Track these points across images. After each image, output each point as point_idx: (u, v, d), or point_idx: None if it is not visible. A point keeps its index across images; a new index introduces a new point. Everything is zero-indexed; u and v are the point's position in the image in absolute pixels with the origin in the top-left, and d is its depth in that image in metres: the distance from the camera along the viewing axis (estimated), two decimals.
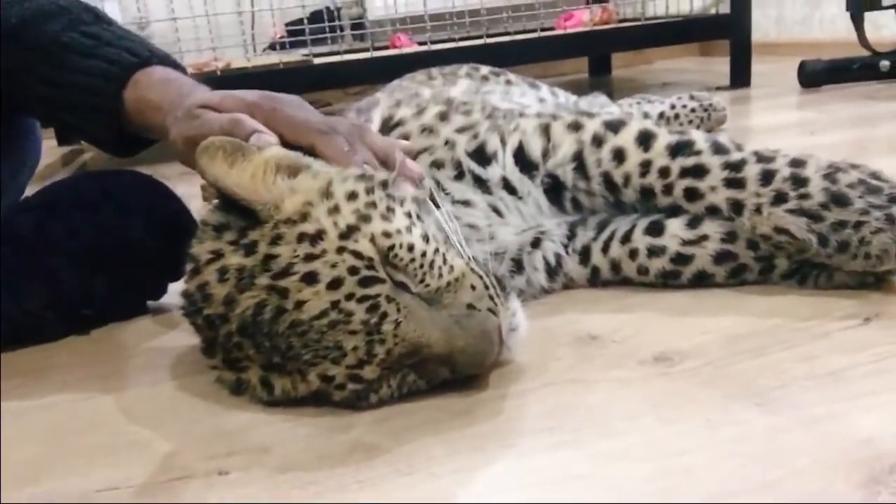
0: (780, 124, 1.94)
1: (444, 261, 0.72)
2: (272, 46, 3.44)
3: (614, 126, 0.93)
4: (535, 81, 1.59)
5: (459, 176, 0.92)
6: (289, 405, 0.73)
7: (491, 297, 0.72)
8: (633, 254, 0.92)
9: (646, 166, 0.91)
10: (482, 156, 0.93)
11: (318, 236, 0.68)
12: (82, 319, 0.99)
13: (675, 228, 0.90)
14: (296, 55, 2.49)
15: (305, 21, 3.12)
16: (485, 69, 1.57)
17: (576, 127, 0.94)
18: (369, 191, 0.74)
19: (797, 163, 0.86)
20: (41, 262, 0.95)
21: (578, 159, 0.93)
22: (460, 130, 0.95)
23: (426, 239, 0.72)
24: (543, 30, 2.65)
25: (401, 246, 0.70)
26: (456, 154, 0.92)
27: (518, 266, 0.93)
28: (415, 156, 0.92)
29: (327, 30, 3.20)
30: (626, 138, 0.92)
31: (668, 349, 0.78)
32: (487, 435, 0.67)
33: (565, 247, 0.96)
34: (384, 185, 0.76)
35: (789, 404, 0.66)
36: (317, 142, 0.79)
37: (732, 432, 0.63)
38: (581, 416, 0.68)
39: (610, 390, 0.72)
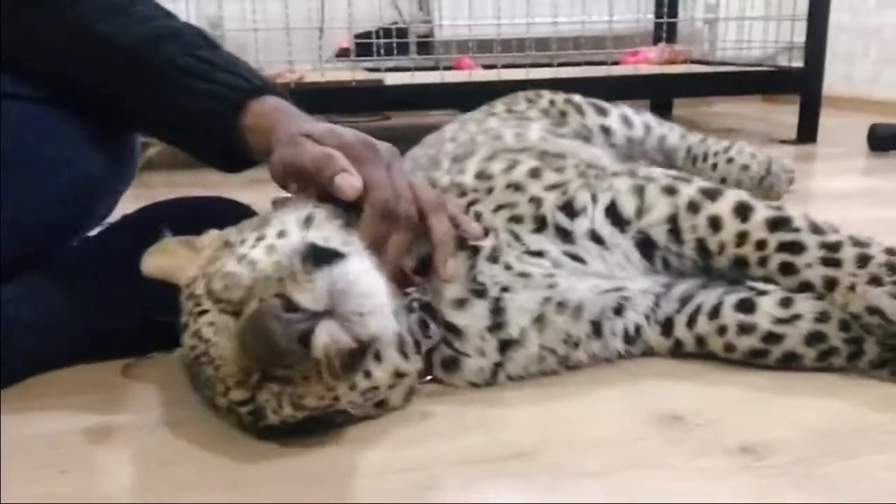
0: (846, 191, 1.92)
1: (253, 267, 0.74)
2: (339, 56, 3.50)
3: (711, 194, 0.94)
4: (605, 106, 1.52)
5: (539, 229, 0.93)
6: None
7: (281, 280, 0.69)
8: (721, 330, 0.92)
9: (742, 237, 0.91)
10: (570, 210, 0.94)
11: (191, 295, 0.79)
12: (170, 339, 1.02)
13: (768, 306, 0.91)
14: (367, 74, 2.51)
15: (374, 35, 3.18)
16: (560, 101, 1.52)
17: (671, 191, 0.95)
18: (240, 231, 0.82)
19: (892, 251, 0.88)
20: (137, 282, 0.97)
21: (673, 222, 0.94)
22: (550, 188, 0.96)
23: (241, 259, 0.76)
24: (613, 63, 2.67)
25: (217, 277, 0.76)
26: (540, 210, 0.93)
27: (596, 330, 0.94)
28: (495, 209, 0.93)
29: (395, 46, 3.25)
30: (724, 207, 0.93)
31: (753, 440, 0.78)
32: None
33: (647, 318, 0.96)
34: (261, 219, 0.83)
35: None
36: (365, 213, 0.81)
37: None
38: None
39: (698, 480, 0.72)
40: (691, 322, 0.94)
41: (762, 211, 0.91)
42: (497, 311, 0.88)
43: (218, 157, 1.00)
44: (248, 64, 1.00)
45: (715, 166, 1.58)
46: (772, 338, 0.90)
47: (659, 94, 2.91)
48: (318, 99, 2.33)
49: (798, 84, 2.57)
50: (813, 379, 0.90)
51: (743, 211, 0.92)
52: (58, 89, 1.00)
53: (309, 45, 3.23)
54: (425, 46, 3.49)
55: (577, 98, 1.52)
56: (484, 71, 2.81)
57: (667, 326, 0.96)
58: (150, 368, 0.99)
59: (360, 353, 0.72)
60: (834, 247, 0.88)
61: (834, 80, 3.42)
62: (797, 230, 0.89)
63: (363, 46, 3.18)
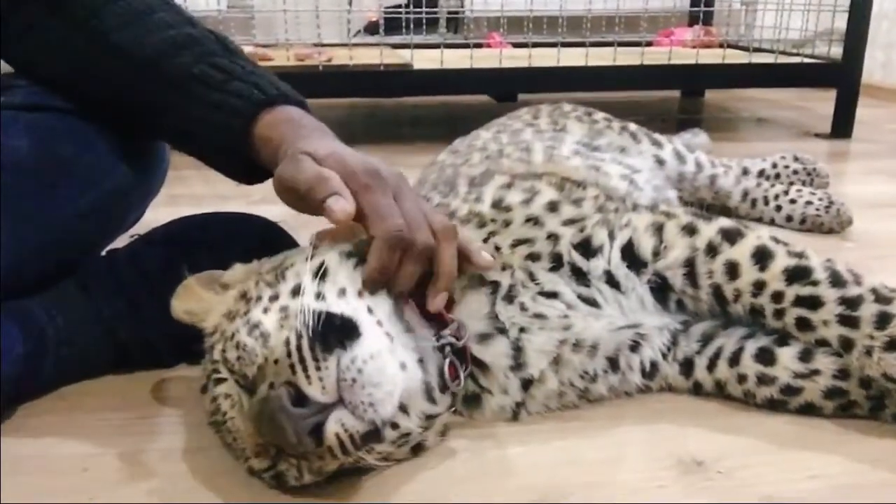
0: (877, 200, 1.86)
1: (265, 342, 0.73)
2: (367, 29, 3.46)
3: (731, 236, 0.92)
4: (659, 139, 1.55)
5: (555, 268, 0.92)
6: None
7: (292, 366, 0.69)
8: (741, 378, 0.92)
9: (759, 287, 0.90)
10: (587, 248, 0.93)
11: (213, 347, 0.81)
12: (195, 353, 1.03)
13: (787, 360, 0.90)
14: (395, 56, 2.48)
15: (403, 9, 3.13)
16: (600, 115, 1.55)
17: (690, 231, 0.93)
18: (257, 283, 0.82)
19: None
20: (165, 297, 0.98)
21: (690, 266, 0.92)
22: (567, 223, 0.95)
23: (254, 328, 0.75)
24: (647, 44, 2.62)
25: (231, 346, 0.76)
26: (557, 248, 0.92)
27: (613, 365, 0.93)
28: (513, 244, 0.92)
29: (424, 20, 3.20)
30: (742, 253, 0.91)
31: (774, 492, 0.78)
32: None
33: (664, 355, 0.95)
34: (277, 267, 0.83)
35: None
36: (374, 244, 0.79)
37: None
38: None
39: None
40: (711, 366, 0.94)
41: (782, 259, 0.89)
42: (517, 350, 0.88)
43: (232, 168, 0.99)
44: (267, 71, 0.98)
45: (779, 208, 1.64)
46: (791, 390, 0.90)
47: (691, 83, 2.86)
48: (345, 82, 2.33)
49: (835, 78, 2.51)
50: (836, 427, 0.89)
51: (762, 258, 0.90)
52: (80, 99, 1.01)
53: (338, 18, 3.21)
54: (454, 22, 3.45)
55: (633, 126, 1.55)
56: (514, 51, 2.77)
57: (686, 367, 0.96)
58: (178, 386, 1.01)
59: (374, 433, 0.72)
60: (853, 303, 0.85)
61: (872, 68, 3.33)
62: (816, 283, 0.87)
63: (392, 19, 3.15)
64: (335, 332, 0.71)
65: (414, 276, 0.81)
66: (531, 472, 0.82)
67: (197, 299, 0.88)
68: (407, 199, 0.82)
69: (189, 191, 1.14)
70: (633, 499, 0.78)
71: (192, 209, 1.32)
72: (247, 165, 0.96)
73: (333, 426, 0.68)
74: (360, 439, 0.70)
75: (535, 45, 2.47)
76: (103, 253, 1.08)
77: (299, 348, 0.69)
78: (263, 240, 1.04)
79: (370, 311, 0.77)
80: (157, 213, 1.18)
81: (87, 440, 0.88)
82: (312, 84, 2.31)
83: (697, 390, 0.96)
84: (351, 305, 0.76)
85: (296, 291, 0.77)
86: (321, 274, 0.78)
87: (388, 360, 0.72)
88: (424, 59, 2.42)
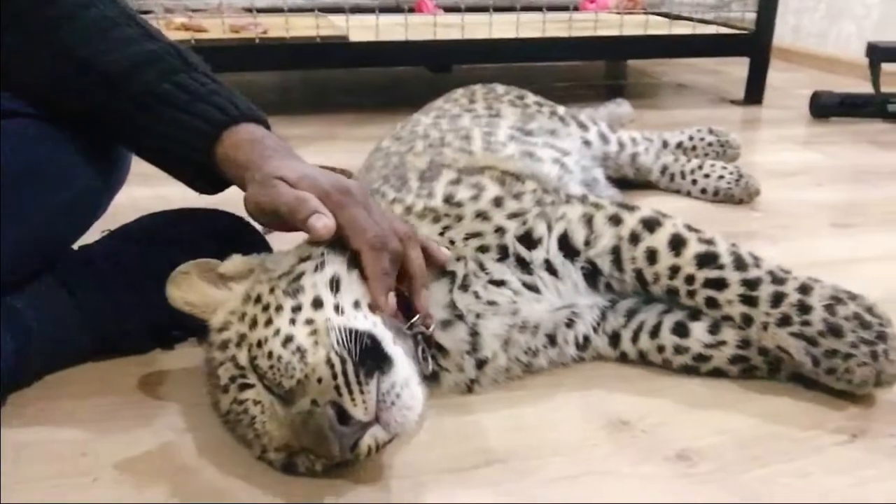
0: (783, 169, 2.03)
1: (302, 357, 0.79)
2: None
3: (651, 225, 1.05)
4: (585, 121, 1.68)
5: (502, 259, 1.03)
6: None
7: (337, 388, 0.76)
8: (660, 349, 1.07)
9: (674, 271, 1.03)
10: (529, 240, 1.05)
11: (225, 345, 0.86)
12: (171, 339, 1.12)
13: (698, 333, 1.05)
14: (331, 27, 2.52)
15: None
16: (531, 99, 1.66)
17: (616, 221, 1.06)
18: (272, 289, 0.86)
19: (805, 289, 0.99)
20: (143, 291, 1.06)
21: (616, 253, 1.05)
22: (511, 217, 1.06)
23: (287, 341, 0.80)
24: (574, 8, 2.74)
25: (262, 355, 0.81)
26: (504, 240, 1.04)
27: (552, 340, 1.07)
28: (465, 237, 1.03)
29: None
30: (660, 240, 1.04)
31: (688, 447, 0.93)
32: None
33: (595, 329, 1.09)
34: (289, 274, 0.87)
35: None
36: (364, 254, 0.88)
37: None
38: None
39: (639, 486, 0.87)
40: (635, 338, 1.09)
41: (693, 246, 1.03)
42: (474, 335, 1.00)
43: (194, 182, 1.07)
44: (226, 87, 1.03)
45: (695, 181, 1.81)
46: (701, 358, 1.05)
47: (615, 54, 3.00)
48: (282, 54, 2.37)
49: (747, 48, 2.68)
50: (740, 388, 1.05)
51: (677, 245, 1.03)
52: (49, 108, 1.05)
53: None
54: None
55: (561, 110, 1.67)
56: (447, 17, 2.84)
57: (614, 339, 1.10)
58: (158, 371, 1.10)
59: (392, 439, 0.83)
60: (753, 284, 1.00)
61: (783, 33, 3.53)
62: (722, 266, 1.01)
63: None
64: (371, 356, 0.79)
65: (393, 280, 0.91)
66: (483, 437, 0.95)
67: (197, 291, 0.93)
68: (375, 210, 0.92)
69: (138, 168, 1.19)
70: (570, 458, 0.91)
71: (143, 188, 1.40)
72: (210, 180, 1.03)
73: (368, 440, 0.79)
74: (383, 445, 0.82)
75: (468, 8, 2.54)
76: (75, 247, 1.14)
77: (345, 373, 0.76)
78: (234, 236, 1.12)
79: (384, 324, 0.86)
80: None
81: (80, 426, 0.96)
82: (249, 57, 2.35)
83: (624, 359, 1.11)
84: (369, 320, 0.85)
85: (316, 304, 0.84)
86: (336, 286, 0.87)
87: (416, 385, 0.82)
88: (360, 30, 2.47)
